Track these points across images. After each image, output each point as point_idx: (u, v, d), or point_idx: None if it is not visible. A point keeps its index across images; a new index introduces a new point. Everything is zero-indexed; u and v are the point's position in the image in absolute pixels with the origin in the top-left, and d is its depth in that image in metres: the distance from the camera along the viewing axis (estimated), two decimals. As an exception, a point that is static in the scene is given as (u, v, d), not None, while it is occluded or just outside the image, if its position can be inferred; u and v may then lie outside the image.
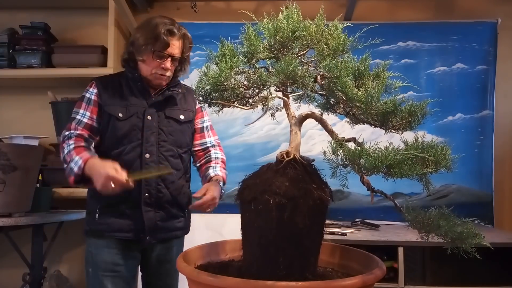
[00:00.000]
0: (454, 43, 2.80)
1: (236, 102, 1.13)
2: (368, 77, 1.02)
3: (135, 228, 1.58)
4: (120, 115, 1.59)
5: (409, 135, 0.98)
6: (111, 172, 1.37)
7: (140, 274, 1.74)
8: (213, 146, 1.79)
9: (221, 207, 2.28)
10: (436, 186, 2.67)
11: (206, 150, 1.78)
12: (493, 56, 2.76)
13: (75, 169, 1.46)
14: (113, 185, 1.37)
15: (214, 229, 1.90)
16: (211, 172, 1.68)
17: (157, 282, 1.70)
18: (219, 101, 1.12)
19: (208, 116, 1.82)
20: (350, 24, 1.13)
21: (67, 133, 1.58)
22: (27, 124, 2.90)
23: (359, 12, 2.90)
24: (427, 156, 0.89)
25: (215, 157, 1.76)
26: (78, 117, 1.60)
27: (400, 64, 2.81)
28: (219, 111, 1.18)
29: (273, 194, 0.94)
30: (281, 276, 0.93)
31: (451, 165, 0.91)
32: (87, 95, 1.63)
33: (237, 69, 1.09)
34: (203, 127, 1.79)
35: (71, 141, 1.54)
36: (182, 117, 1.69)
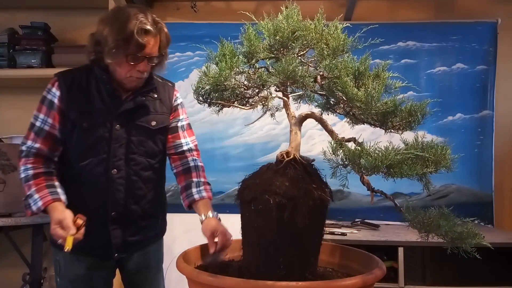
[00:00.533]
0: (454, 43, 2.80)
1: (236, 102, 1.13)
2: (368, 77, 1.02)
3: (103, 246, 1.44)
4: (85, 124, 1.39)
5: (409, 135, 0.98)
6: (56, 231, 1.26)
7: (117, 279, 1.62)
8: (189, 150, 1.57)
9: (221, 207, 2.28)
10: (436, 186, 2.67)
11: (181, 154, 1.56)
12: (493, 56, 2.76)
13: (34, 208, 1.34)
14: (60, 241, 1.27)
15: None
16: (195, 194, 1.48)
17: None
18: (219, 101, 1.12)
19: (185, 115, 1.61)
20: (349, 25, 1.13)
21: (24, 148, 1.40)
22: (27, 124, 2.87)
23: (359, 12, 2.90)
24: (427, 155, 0.89)
25: (195, 166, 1.55)
26: (37, 124, 1.41)
27: (400, 64, 2.81)
28: (219, 111, 1.19)
29: (273, 194, 0.94)
30: (281, 276, 0.93)
31: (451, 165, 0.91)
32: (49, 96, 1.42)
33: (237, 69, 1.09)
34: (177, 126, 1.56)
35: (28, 164, 1.38)
36: (154, 123, 1.48)
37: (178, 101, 1.59)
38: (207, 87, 1.10)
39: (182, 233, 2.38)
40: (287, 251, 0.96)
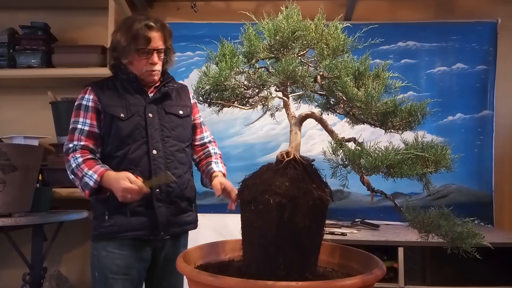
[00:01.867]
0: (454, 43, 2.80)
1: (236, 102, 1.13)
2: (368, 77, 1.02)
3: (149, 225, 1.57)
4: (122, 115, 1.59)
5: (409, 135, 0.98)
6: (125, 184, 1.41)
7: None
8: (210, 142, 1.83)
9: (221, 207, 2.28)
10: (436, 186, 2.67)
11: (203, 145, 1.81)
12: (493, 56, 2.76)
13: (91, 183, 1.48)
14: (129, 196, 1.43)
15: (214, 229, 1.90)
16: (214, 167, 1.71)
17: (161, 282, 1.70)
18: (219, 101, 1.12)
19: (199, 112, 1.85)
20: (349, 25, 1.13)
21: (71, 145, 1.57)
22: (27, 124, 2.89)
23: (359, 12, 2.90)
24: (427, 155, 0.89)
25: (214, 153, 1.79)
26: (79, 126, 1.58)
27: (400, 64, 2.81)
28: (219, 111, 1.19)
29: (273, 194, 0.94)
30: (281, 276, 0.93)
31: (451, 165, 0.91)
32: (84, 102, 1.61)
33: (237, 69, 1.09)
34: (200, 122, 1.82)
35: (77, 154, 1.54)
36: (181, 112, 1.70)
37: (194, 99, 1.75)
38: (207, 87, 1.10)
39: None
40: (287, 251, 0.96)
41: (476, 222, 2.66)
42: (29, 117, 2.95)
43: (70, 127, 1.61)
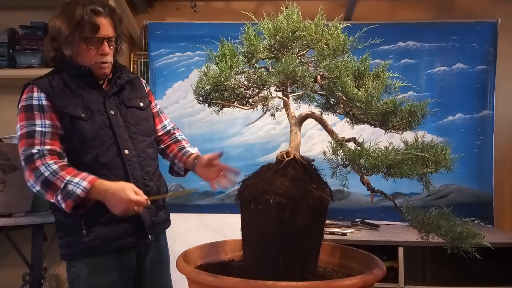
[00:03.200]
0: (454, 43, 2.80)
1: (236, 102, 1.13)
2: (368, 77, 1.02)
3: (134, 231, 1.43)
4: (83, 115, 1.40)
5: (409, 135, 0.98)
6: (133, 196, 1.28)
7: None
8: (174, 129, 1.72)
9: (221, 207, 2.28)
10: (436, 186, 2.67)
11: (169, 133, 1.70)
12: (493, 56, 2.76)
13: (78, 191, 1.26)
14: (136, 209, 1.29)
15: (214, 229, 1.89)
16: (191, 150, 1.62)
17: (152, 287, 1.59)
18: (219, 101, 1.12)
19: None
20: (349, 25, 1.13)
21: (34, 150, 1.32)
22: (27, 124, 2.89)
23: (359, 12, 2.90)
24: (427, 155, 0.89)
25: (182, 138, 1.70)
26: (38, 129, 1.35)
27: (400, 64, 2.81)
28: (219, 111, 1.18)
29: (273, 194, 0.94)
30: (281, 276, 0.93)
31: (451, 165, 0.91)
32: (35, 102, 1.38)
33: (237, 69, 1.09)
34: (157, 110, 1.69)
35: (48, 160, 1.31)
36: (141, 104, 1.57)
37: (148, 87, 1.69)
38: (207, 87, 1.10)
39: (183, 233, 2.38)
40: (287, 251, 0.96)
41: (476, 222, 2.65)
42: (29, 117, 2.95)
43: (23, 131, 1.36)
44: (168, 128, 1.70)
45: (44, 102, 1.38)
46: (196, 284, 0.93)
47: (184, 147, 1.63)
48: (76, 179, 1.28)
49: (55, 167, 1.30)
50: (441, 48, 2.81)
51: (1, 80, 2.77)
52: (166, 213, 1.62)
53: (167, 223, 1.63)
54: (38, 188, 1.32)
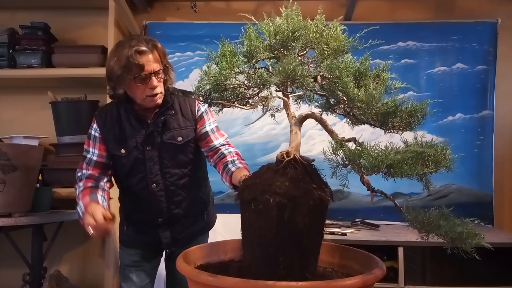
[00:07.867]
0: (454, 43, 2.80)
1: (236, 102, 1.13)
2: (369, 78, 1.02)
3: (155, 243, 1.71)
4: (122, 151, 1.63)
5: (409, 135, 0.98)
6: (86, 220, 1.44)
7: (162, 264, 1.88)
8: (222, 145, 1.70)
9: (221, 207, 2.27)
10: (436, 186, 2.67)
11: (215, 150, 1.68)
12: (493, 56, 2.76)
13: (80, 213, 1.55)
14: (91, 232, 1.43)
15: (214, 229, 1.89)
16: (231, 167, 1.57)
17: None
18: (219, 101, 1.12)
19: (213, 118, 1.73)
20: (346, 28, 1.12)
21: (79, 174, 1.66)
22: (27, 124, 2.90)
23: (359, 12, 2.90)
24: (427, 151, 0.89)
25: (228, 152, 1.66)
26: (88, 155, 1.66)
27: (400, 64, 2.81)
28: (219, 111, 1.18)
29: (273, 194, 0.94)
30: (281, 276, 0.93)
31: (451, 165, 0.91)
32: (92, 132, 1.67)
33: (238, 69, 1.09)
34: (207, 132, 1.69)
35: (80, 183, 1.63)
36: (180, 139, 1.64)
37: (202, 109, 1.71)
38: (208, 87, 1.10)
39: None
40: (287, 251, 0.96)
41: (476, 222, 2.66)
42: (29, 117, 2.96)
43: (83, 153, 1.69)
44: (216, 146, 1.68)
45: (97, 134, 1.66)
46: (196, 284, 0.93)
47: (227, 165, 1.59)
48: (80, 203, 1.56)
49: (80, 189, 1.61)
50: (441, 48, 2.81)
51: (1, 80, 2.77)
52: (199, 226, 1.78)
53: (201, 231, 1.80)
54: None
